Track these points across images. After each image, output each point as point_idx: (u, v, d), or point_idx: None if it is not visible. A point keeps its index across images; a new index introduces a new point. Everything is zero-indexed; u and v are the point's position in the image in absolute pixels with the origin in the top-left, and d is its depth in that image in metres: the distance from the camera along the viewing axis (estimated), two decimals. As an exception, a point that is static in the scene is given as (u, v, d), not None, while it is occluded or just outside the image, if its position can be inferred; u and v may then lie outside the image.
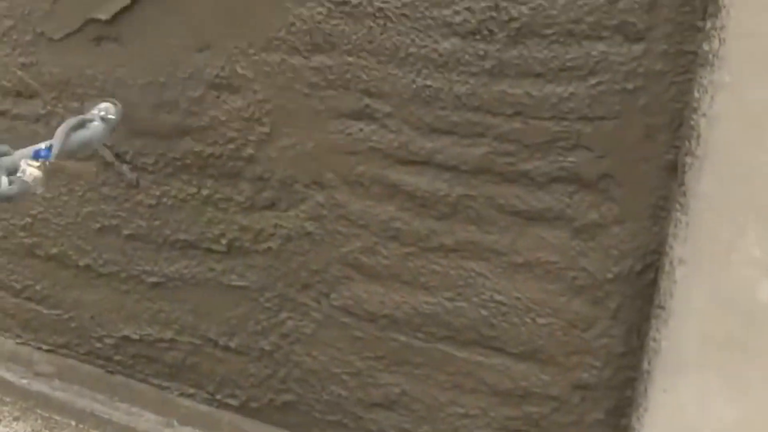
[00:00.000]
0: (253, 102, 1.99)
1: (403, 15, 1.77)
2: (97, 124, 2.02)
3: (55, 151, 1.82)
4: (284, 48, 1.91)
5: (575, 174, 1.75)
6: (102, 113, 2.05)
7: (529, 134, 1.75)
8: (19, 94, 2.34)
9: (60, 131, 1.87)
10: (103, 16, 2.09)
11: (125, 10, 2.06)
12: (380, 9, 1.78)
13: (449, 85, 1.78)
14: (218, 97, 2.03)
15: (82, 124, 1.97)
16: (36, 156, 1.78)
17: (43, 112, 2.30)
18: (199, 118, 2.07)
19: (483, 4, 1.70)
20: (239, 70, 1.98)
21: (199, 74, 2.03)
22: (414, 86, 1.81)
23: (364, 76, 1.85)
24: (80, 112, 2.21)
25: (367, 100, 1.87)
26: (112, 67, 2.14)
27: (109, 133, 2.05)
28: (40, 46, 2.24)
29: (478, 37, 1.72)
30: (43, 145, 1.83)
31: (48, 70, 2.25)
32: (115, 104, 2.08)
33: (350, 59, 1.85)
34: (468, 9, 1.71)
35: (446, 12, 1.73)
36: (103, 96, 2.16)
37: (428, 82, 1.79)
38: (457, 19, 1.72)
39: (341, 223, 1.99)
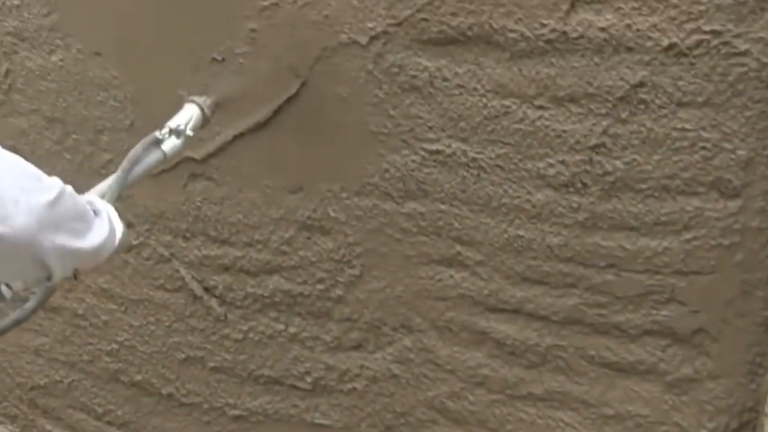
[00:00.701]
0: (343, 244, 2.01)
1: (497, 166, 1.79)
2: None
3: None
4: (377, 193, 1.94)
5: (669, 328, 1.73)
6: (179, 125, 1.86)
7: (621, 287, 1.74)
8: (113, 224, 2.39)
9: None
10: (197, 156, 2.15)
11: (219, 150, 2.11)
12: (474, 159, 1.81)
13: (542, 236, 1.78)
14: (309, 238, 2.06)
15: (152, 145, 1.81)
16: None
17: (135, 243, 2.35)
18: (289, 258, 2.10)
19: (577, 158, 1.71)
20: (331, 213, 2.01)
21: (291, 215, 2.06)
22: (506, 235, 1.82)
23: (456, 224, 1.87)
24: (171, 245, 2.26)
25: (458, 248, 1.88)
26: (204, 204, 2.19)
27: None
28: (136, 180, 2.30)
29: (571, 189, 1.73)
30: None
31: (143, 203, 2.31)
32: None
33: (443, 207, 1.87)
34: (562, 162, 1.72)
35: (540, 164, 1.74)
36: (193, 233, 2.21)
37: (520, 232, 1.80)
38: (551, 171, 1.74)
39: (428, 367, 1.98)
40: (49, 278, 1.28)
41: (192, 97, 1.94)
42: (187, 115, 1.89)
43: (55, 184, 1.25)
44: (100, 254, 1.35)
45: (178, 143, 1.84)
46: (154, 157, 1.79)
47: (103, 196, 1.59)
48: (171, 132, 1.82)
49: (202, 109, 1.93)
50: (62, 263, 1.25)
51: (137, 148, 1.76)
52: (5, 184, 1.15)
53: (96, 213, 1.37)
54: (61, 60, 2.34)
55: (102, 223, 1.37)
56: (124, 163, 1.71)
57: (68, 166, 2.36)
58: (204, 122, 1.93)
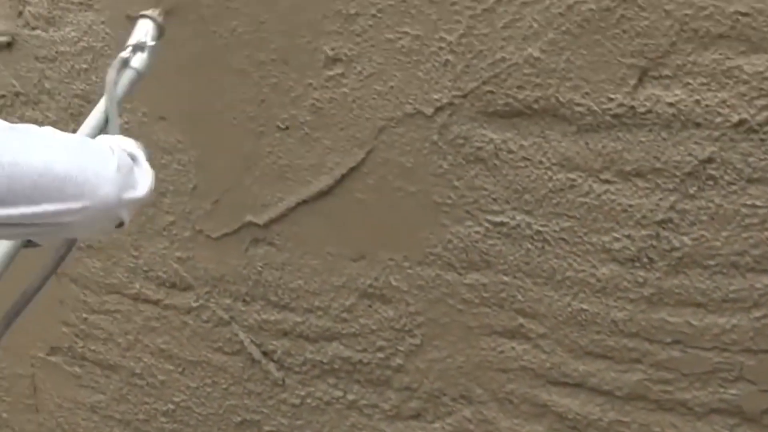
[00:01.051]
0: (404, 313, 2.01)
1: (562, 239, 1.78)
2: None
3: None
4: (439, 263, 1.94)
5: (737, 407, 1.69)
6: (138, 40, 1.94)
7: (688, 363, 1.72)
8: (173, 286, 2.42)
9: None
10: (259, 221, 2.17)
11: (282, 216, 2.13)
12: (538, 232, 1.80)
13: (606, 310, 1.77)
14: (370, 306, 2.06)
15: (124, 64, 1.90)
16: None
17: (195, 305, 2.37)
18: (349, 325, 2.10)
19: (643, 233, 1.70)
20: (393, 282, 2.01)
21: (353, 282, 2.07)
22: (569, 309, 1.81)
23: (520, 297, 1.86)
24: (231, 308, 2.27)
25: (521, 320, 1.87)
26: (265, 269, 2.20)
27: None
28: (197, 242, 2.33)
29: (637, 264, 1.72)
30: None
31: (203, 265, 2.33)
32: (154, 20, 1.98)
33: (506, 279, 1.87)
34: (628, 236, 1.71)
35: (605, 238, 1.74)
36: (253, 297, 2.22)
37: (584, 306, 1.79)
38: (617, 245, 1.73)
39: (488, 438, 1.97)
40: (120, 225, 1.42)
41: (142, 12, 1.99)
42: (143, 30, 1.95)
43: (107, 147, 1.39)
44: (150, 197, 1.47)
45: (145, 56, 1.91)
46: (128, 75, 1.88)
47: (106, 131, 1.75)
48: (134, 48, 1.91)
49: (154, 21, 1.98)
50: (130, 214, 1.40)
51: (111, 73, 1.84)
52: (81, 161, 1.29)
53: (134, 159, 1.46)
54: (127, 123, 2.39)
55: (144, 168, 1.49)
56: (107, 90, 1.81)
57: (130, 227, 2.38)
58: (160, 32, 1.98)
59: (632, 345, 1.76)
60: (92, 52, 2.35)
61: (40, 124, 1.37)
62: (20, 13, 2.45)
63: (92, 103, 2.37)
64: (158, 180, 2.25)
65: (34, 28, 2.44)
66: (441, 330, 1.98)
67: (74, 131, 2.43)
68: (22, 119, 2.46)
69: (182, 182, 2.29)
